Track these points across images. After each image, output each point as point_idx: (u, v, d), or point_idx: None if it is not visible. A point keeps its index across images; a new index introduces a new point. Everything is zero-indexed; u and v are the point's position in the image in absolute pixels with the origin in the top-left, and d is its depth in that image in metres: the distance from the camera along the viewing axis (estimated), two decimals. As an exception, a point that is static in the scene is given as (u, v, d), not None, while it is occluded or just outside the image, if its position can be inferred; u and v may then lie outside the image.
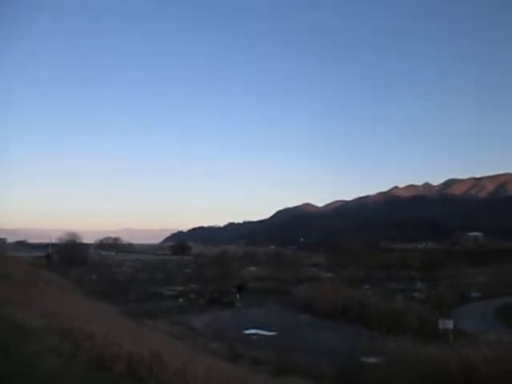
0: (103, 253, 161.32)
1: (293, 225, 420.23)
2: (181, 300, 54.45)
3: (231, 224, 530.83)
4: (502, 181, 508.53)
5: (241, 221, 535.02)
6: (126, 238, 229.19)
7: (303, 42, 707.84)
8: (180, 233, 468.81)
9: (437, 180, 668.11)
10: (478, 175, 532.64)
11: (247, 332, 32.31)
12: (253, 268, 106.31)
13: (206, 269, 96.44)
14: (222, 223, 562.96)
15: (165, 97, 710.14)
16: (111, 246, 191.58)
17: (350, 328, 29.89)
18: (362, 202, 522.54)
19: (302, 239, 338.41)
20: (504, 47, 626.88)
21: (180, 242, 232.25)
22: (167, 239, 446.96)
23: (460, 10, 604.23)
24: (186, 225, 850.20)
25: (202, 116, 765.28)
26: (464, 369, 11.97)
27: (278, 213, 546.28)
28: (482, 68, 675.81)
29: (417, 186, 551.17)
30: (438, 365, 12.74)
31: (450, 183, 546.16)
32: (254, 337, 30.59)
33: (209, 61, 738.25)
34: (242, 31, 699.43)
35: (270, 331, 32.41)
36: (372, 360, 16.29)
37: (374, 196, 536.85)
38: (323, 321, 37.98)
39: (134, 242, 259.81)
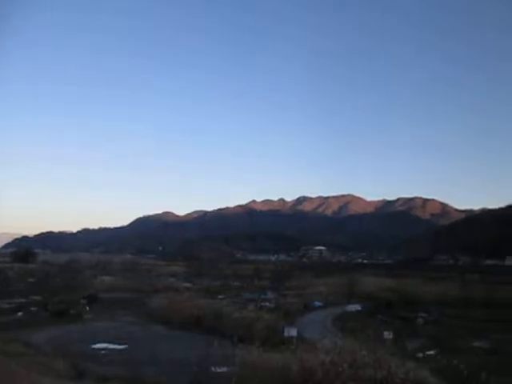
0: None
1: (152, 233, 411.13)
2: (20, 314, 48.89)
3: (86, 230, 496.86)
4: (345, 201, 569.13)
5: (96, 227, 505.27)
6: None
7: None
8: (25, 238, 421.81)
9: (290, 196, 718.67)
10: (325, 194, 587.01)
11: (95, 347, 30.46)
12: (106, 277, 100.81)
13: (52, 278, 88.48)
14: (75, 229, 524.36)
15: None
16: None
17: (204, 338, 30.24)
18: (221, 214, 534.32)
19: (160, 248, 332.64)
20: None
21: (24, 248, 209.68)
22: (8, 245, 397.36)
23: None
24: (32, 229, 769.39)
25: (56, 118, 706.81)
26: (303, 373, 13.05)
27: (138, 220, 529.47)
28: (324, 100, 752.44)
29: (273, 200, 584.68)
30: (281, 371, 13.69)
31: (301, 200, 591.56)
32: (103, 352, 28.97)
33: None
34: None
35: (120, 345, 31.06)
36: (222, 370, 16.77)
37: (233, 208, 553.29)
38: (178, 332, 37.80)
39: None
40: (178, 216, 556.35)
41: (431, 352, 31.22)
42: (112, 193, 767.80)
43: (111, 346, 30.67)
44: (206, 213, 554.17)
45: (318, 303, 71.11)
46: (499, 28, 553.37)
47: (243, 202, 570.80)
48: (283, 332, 26.43)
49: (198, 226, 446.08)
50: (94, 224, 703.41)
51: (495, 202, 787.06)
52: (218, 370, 17.10)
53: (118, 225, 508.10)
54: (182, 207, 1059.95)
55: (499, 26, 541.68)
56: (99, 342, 31.68)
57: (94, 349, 29.86)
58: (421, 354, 28.99)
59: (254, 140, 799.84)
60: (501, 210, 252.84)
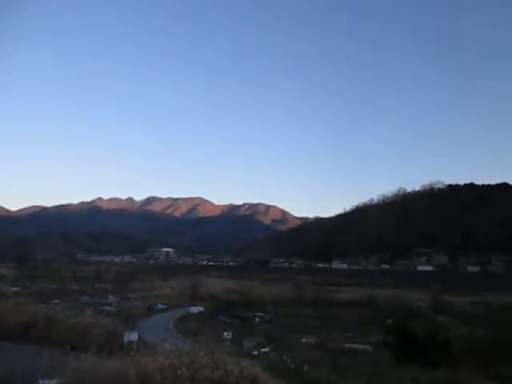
0: None
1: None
2: None
3: None
4: (194, 203, 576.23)
5: None
6: None
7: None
8: None
9: (139, 196, 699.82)
10: (175, 196, 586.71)
11: None
12: None
13: None
14: None
15: None
16: None
17: (33, 348, 27.56)
18: (62, 210, 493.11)
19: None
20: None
21: None
22: None
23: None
24: None
25: None
26: (141, 379, 12.90)
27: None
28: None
29: (121, 199, 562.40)
30: (117, 378, 13.31)
31: (150, 200, 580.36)
32: None
33: None
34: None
35: None
36: (51, 382, 15.54)
37: (76, 205, 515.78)
38: (0, 343, 33.62)
39: None
40: (8, 211, 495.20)
41: (265, 349, 33.40)
42: None
43: None
44: (44, 208, 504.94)
45: (161, 306, 70.46)
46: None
47: (88, 198, 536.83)
48: (123, 337, 25.57)
49: (34, 223, 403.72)
50: None
51: (327, 212, 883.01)
52: (47, 383, 15.81)
53: None
54: (14, 201, 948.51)
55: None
56: None
57: None
58: (256, 352, 30.79)
59: (101, 135, 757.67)
60: (330, 218, 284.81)
